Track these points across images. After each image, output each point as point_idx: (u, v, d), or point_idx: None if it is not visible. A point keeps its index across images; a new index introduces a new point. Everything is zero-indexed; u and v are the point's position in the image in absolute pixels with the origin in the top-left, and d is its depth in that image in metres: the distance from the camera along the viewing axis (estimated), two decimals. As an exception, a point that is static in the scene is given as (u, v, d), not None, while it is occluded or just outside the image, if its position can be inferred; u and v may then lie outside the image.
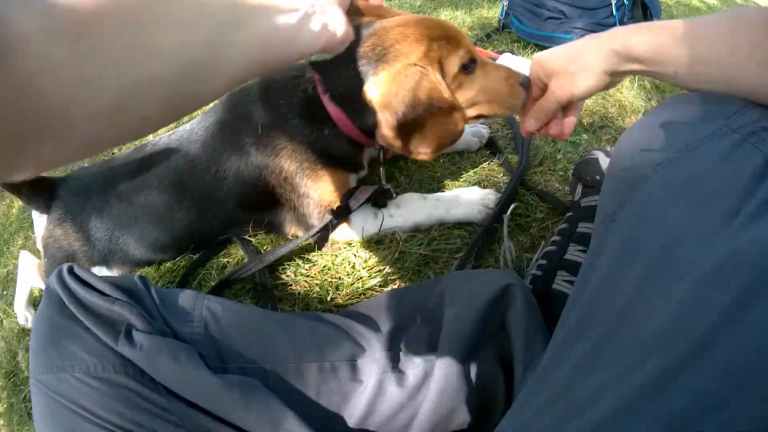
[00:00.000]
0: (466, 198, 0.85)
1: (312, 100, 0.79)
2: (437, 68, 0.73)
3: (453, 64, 0.74)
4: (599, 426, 0.34)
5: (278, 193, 0.85)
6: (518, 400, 0.44)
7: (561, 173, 0.95)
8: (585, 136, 1.04)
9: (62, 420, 0.45)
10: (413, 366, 0.56)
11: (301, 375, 0.54)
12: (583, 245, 0.72)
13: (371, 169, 0.92)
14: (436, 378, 0.53)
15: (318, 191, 0.83)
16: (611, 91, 1.19)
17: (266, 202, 0.87)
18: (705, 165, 0.40)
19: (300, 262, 0.87)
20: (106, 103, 0.29)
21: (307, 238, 0.84)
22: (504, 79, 0.76)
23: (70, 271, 0.52)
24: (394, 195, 0.87)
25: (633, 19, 1.32)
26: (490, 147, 1.05)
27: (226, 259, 0.93)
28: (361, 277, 0.82)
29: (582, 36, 1.21)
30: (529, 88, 0.71)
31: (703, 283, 0.34)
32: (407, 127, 0.71)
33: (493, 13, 1.70)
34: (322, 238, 0.86)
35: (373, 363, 0.56)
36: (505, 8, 1.40)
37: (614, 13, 1.24)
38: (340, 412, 0.54)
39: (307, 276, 0.85)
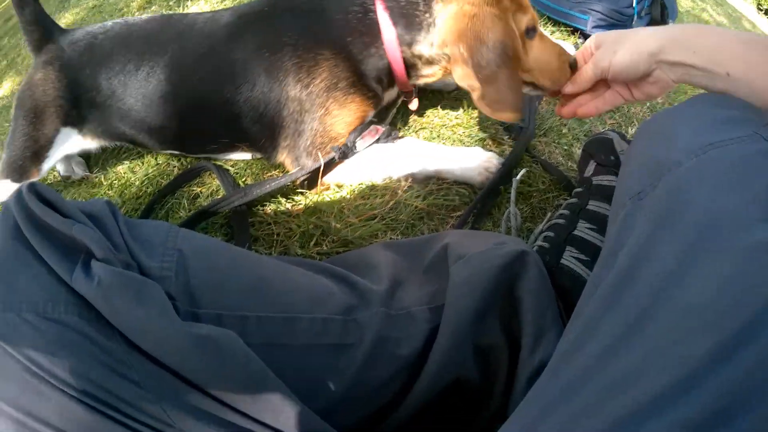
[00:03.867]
0: (468, 158, 0.80)
1: (366, 14, 0.76)
2: (511, 19, 0.72)
3: (521, 23, 0.74)
4: (652, 402, 0.30)
5: (289, 111, 0.77)
6: (543, 377, 0.40)
7: (565, 147, 0.92)
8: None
9: (11, 375, 0.36)
10: (414, 329, 0.50)
11: (289, 328, 0.46)
12: (593, 224, 0.68)
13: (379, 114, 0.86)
14: (440, 347, 0.48)
15: (335, 119, 0.77)
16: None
17: (271, 119, 0.79)
18: (739, 161, 0.40)
19: (282, 199, 0.79)
20: None
21: (305, 175, 0.76)
22: (558, 54, 0.76)
23: (31, 188, 0.42)
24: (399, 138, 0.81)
25: (650, 15, 1.33)
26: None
27: (199, 189, 0.84)
28: (350, 224, 0.76)
29: (598, 19, 1.21)
30: (576, 70, 0.71)
31: (750, 258, 0.33)
32: (479, 70, 0.70)
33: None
34: (312, 177, 0.78)
35: (371, 321, 0.49)
36: (527, -24, 1.36)
37: (634, 4, 1.22)
38: (330, 375, 0.47)
39: (289, 216, 0.78)
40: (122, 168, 0.98)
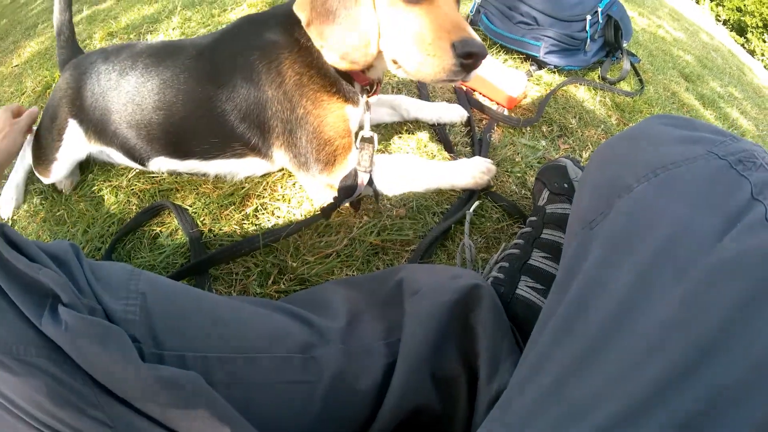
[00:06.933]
0: (462, 169, 0.89)
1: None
2: None
3: None
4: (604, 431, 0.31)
5: (272, 111, 0.80)
6: (500, 404, 0.41)
7: (518, 175, 0.95)
8: (543, 143, 1.05)
9: None
10: (372, 364, 0.51)
11: (250, 367, 0.48)
12: (547, 252, 0.71)
13: None
14: (398, 379, 0.49)
15: (317, 119, 0.79)
16: (572, 102, 1.21)
17: (257, 119, 0.82)
18: (694, 181, 0.41)
19: (239, 239, 0.81)
20: None
21: (317, 216, 0.81)
22: (434, 28, 0.64)
23: (0, 230, 0.43)
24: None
25: (603, 38, 1.35)
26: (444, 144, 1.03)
27: (159, 228, 0.85)
28: (307, 262, 0.78)
29: (551, 44, 1.24)
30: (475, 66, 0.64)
31: (709, 279, 0.33)
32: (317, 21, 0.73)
33: (463, 9, 1.65)
34: (330, 208, 0.81)
35: (329, 358, 0.51)
36: (477, 5, 1.37)
37: (587, 28, 1.24)
38: (292, 411, 0.48)
39: (247, 255, 0.79)
40: (85, 205, 0.99)
